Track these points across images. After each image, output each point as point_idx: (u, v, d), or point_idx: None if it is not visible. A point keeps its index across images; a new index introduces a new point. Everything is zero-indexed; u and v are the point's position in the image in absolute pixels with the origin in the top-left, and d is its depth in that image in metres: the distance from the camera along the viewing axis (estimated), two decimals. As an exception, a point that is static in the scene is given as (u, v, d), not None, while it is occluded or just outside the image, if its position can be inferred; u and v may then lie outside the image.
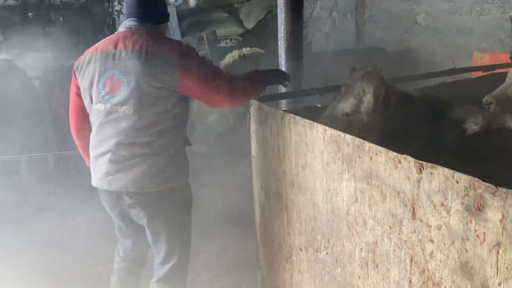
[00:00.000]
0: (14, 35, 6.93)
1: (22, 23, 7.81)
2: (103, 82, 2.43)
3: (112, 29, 7.64)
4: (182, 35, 7.16)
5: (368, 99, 2.34)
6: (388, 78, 2.48)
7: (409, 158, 1.47)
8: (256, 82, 2.72)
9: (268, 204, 2.71)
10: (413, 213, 1.48)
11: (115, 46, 2.43)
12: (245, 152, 3.05)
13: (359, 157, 1.71)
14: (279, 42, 3.59)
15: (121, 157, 2.44)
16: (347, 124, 2.35)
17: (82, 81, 2.54)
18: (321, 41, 4.73)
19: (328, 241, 2.05)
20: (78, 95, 2.61)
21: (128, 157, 2.43)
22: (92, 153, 2.58)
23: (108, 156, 2.47)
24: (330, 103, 2.56)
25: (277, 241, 2.66)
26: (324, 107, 2.95)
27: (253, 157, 2.89)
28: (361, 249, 1.80)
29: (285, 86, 3.05)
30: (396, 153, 1.52)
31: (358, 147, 1.71)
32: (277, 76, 2.97)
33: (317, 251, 2.18)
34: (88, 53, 2.56)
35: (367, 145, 1.66)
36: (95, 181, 2.60)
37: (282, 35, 3.53)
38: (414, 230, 1.49)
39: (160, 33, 2.56)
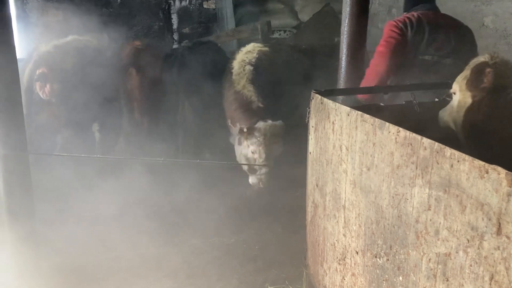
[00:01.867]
0: (72, 15, 7.11)
1: (81, 4, 7.99)
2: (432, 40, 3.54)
3: (168, 13, 7.68)
4: (237, 24, 7.14)
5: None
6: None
7: (499, 169, 1.36)
8: None
9: (323, 202, 2.64)
10: (499, 228, 1.37)
11: (435, 18, 3.65)
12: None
13: (437, 163, 1.61)
14: (342, 37, 3.48)
15: None
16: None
17: (414, 37, 3.55)
18: (378, 38, 4.56)
19: (391, 247, 1.96)
20: (401, 45, 3.58)
21: None
22: None
23: None
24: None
25: (330, 241, 2.59)
26: (387, 106, 2.85)
27: (310, 153, 2.82)
28: (429, 259, 1.70)
29: None
30: (483, 162, 1.41)
31: (437, 152, 1.61)
32: None
33: (376, 256, 2.09)
34: (412, 19, 3.60)
35: (448, 151, 1.56)
36: None
37: (346, 29, 3.42)
38: (498, 247, 1.38)
39: None
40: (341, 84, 3.51)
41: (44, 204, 3.92)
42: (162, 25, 7.82)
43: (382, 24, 6.95)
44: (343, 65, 3.50)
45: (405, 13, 3.87)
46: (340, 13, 3.60)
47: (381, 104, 2.88)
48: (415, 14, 3.70)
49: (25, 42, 6.22)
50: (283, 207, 4.59)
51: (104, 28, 7.34)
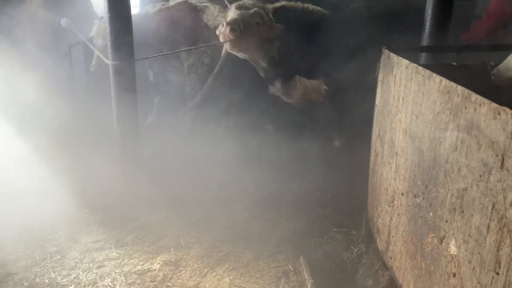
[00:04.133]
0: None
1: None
2: None
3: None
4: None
5: None
6: None
7: (508, 110, 1.52)
8: None
9: (382, 150, 2.87)
10: (502, 163, 1.55)
11: None
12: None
13: (465, 108, 1.79)
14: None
15: None
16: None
17: None
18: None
19: (426, 187, 2.17)
20: None
21: None
22: None
23: None
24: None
25: (384, 186, 2.83)
26: (459, 65, 2.93)
27: (376, 105, 3.03)
28: (452, 195, 1.90)
29: None
30: (497, 105, 1.58)
31: (466, 98, 1.78)
32: None
33: (415, 196, 2.31)
34: None
35: (474, 96, 1.72)
36: None
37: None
38: (500, 179, 1.56)
39: None
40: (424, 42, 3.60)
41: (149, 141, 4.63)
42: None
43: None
44: (427, 24, 3.58)
45: None
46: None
47: (454, 63, 2.96)
48: None
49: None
50: (360, 164, 4.79)
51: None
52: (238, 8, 4.22)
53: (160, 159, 4.74)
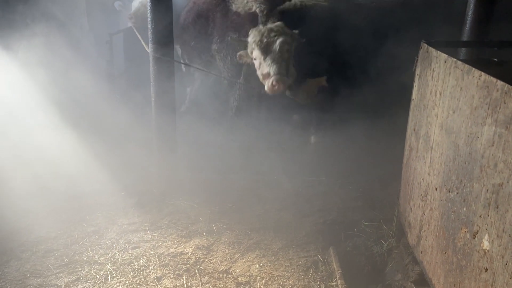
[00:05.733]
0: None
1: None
2: None
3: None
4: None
5: None
6: None
7: (549, 105, 1.51)
8: None
9: (417, 145, 2.86)
10: (540, 159, 1.54)
11: None
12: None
13: (504, 103, 1.77)
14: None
15: None
16: None
17: None
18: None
19: (461, 181, 2.16)
20: None
21: None
22: None
23: None
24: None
25: (417, 180, 2.82)
26: (499, 61, 2.88)
27: (412, 100, 3.01)
28: (487, 190, 1.89)
29: None
30: (538, 100, 1.57)
31: (506, 92, 1.77)
32: None
33: (449, 191, 2.30)
34: None
35: (514, 91, 1.71)
36: None
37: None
38: (537, 175, 1.55)
39: None
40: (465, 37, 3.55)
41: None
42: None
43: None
44: (469, 16, 3.52)
45: None
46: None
47: (494, 59, 2.91)
48: None
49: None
50: (395, 159, 4.75)
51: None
52: (262, 36, 4.01)
53: (195, 147, 4.85)
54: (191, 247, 3.39)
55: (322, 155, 4.85)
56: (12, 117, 4.54)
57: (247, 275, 3.12)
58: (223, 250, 3.39)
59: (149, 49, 3.94)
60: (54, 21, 5.06)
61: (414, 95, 2.98)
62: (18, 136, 4.44)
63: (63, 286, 2.97)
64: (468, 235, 2.07)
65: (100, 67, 5.80)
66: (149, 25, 3.83)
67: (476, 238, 1.99)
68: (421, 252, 2.73)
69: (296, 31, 4.06)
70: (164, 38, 3.86)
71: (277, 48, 3.95)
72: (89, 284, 3.00)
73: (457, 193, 2.20)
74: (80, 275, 3.09)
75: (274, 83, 3.85)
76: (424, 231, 2.68)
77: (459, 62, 2.25)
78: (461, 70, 2.20)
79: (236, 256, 3.33)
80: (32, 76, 4.74)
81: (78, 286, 2.98)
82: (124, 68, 6.26)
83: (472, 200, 2.04)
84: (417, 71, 2.94)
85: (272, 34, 4.00)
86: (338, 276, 3.04)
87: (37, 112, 4.70)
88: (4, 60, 4.62)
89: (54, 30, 4.99)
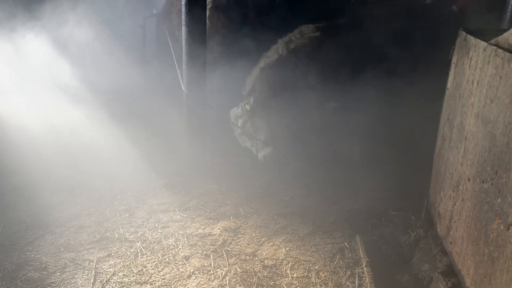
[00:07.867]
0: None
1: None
2: None
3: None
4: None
5: None
6: None
7: None
8: None
9: (450, 135, 2.81)
10: None
11: None
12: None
13: (547, 92, 1.73)
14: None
15: None
16: None
17: None
18: None
19: (496, 172, 2.12)
20: None
21: None
22: None
23: None
24: None
25: (450, 171, 2.78)
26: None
27: (447, 89, 2.96)
28: (524, 181, 1.86)
29: None
30: None
31: (549, 81, 1.72)
32: None
33: (483, 182, 2.27)
34: None
35: (558, 80, 1.67)
36: None
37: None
38: None
39: None
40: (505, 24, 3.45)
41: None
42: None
43: None
44: (509, 7, 3.42)
45: None
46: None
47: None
48: None
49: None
50: (423, 150, 4.67)
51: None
52: None
53: (225, 131, 4.89)
54: (219, 229, 3.45)
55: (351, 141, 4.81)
56: (49, 98, 4.66)
57: (274, 258, 3.15)
58: (250, 233, 3.44)
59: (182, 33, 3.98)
60: (91, 5, 5.16)
61: (449, 84, 2.93)
62: (55, 117, 4.56)
63: (95, 261, 3.07)
64: (501, 227, 2.03)
65: (134, 50, 5.89)
66: (183, 9, 3.86)
67: (510, 230, 1.95)
68: (451, 243, 2.70)
69: None
70: (197, 19, 3.88)
71: None
72: (120, 260, 3.10)
73: (492, 183, 2.17)
74: (111, 251, 3.19)
75: None
76: (455, 221, 2.65)
77: (500, 50, 2.19)
78: (502, 59, 2.15)
79: (263, 239, 3.37)
80: (67, 58, 4.87)
81: (110, 262, 3.07)
82: (157, 51, 6.33)
83: (507, 191, 2.00)
84: (454, 59, 2.88)
85: None
86: (364, 264, 3.05)
87: (72, 95, 4.82)
88: (41, 41, 4.74)
89: (90, 13, 5.09)
